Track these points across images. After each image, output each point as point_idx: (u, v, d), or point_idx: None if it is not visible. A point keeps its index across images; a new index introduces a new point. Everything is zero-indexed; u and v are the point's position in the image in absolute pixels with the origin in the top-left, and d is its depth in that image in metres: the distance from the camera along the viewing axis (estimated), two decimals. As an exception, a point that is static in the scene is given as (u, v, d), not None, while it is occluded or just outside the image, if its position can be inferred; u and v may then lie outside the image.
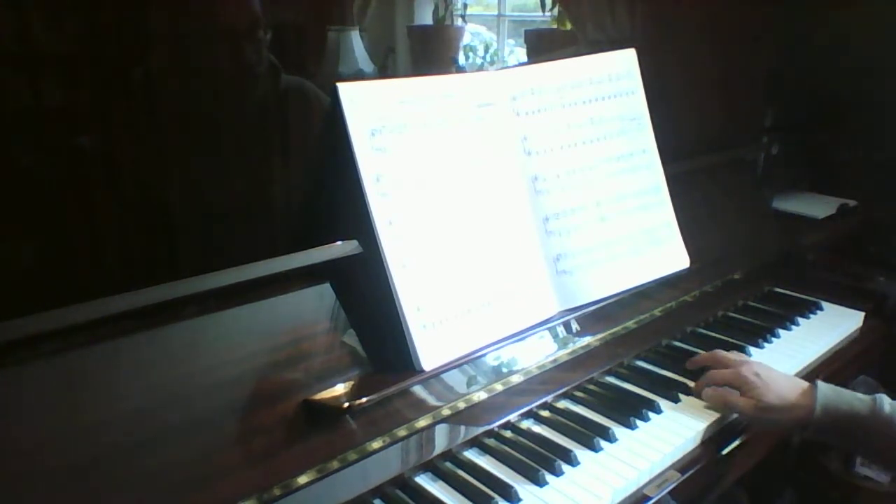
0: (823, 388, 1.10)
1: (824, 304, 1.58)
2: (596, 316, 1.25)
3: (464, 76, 1.25)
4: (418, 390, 1.02)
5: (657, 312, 1.35)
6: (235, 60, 0.97)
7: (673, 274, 1.36)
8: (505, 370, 1.12)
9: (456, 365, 1.05)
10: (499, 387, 1.10)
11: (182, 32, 0.91)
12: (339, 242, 1.01)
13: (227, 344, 0.89)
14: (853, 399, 1.08)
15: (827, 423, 1.07)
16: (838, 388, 1.10)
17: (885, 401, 1.07)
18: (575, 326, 1.23)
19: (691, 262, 1.38)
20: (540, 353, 1.17)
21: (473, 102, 1.14)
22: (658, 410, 1.15)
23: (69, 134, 0.84)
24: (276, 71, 1.02)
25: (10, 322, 0.74)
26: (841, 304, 1.58)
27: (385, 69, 1.25)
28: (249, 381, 0.89)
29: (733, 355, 1.23)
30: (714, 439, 1.13)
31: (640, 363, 1.31)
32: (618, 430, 1.09)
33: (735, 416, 1.15)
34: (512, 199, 1.17)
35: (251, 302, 0.92)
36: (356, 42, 1.16)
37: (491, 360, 1.11)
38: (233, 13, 0.97)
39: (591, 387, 1.21)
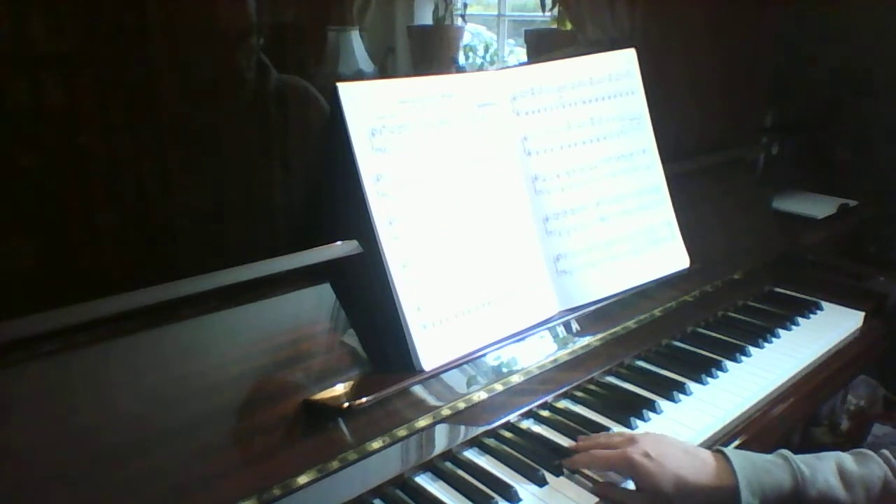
0: (738, 459, 0.90)
1: (824, 304, 1.57)
2: (596, 316, 1.25)
3: (464, 76, 1.25)
4: (418, 390, 1.02)
5: (657, 312, 1.35)
6: (234, 60, 0.97)
7: (673, 274, 1.36)
8: (505, 370, 1.12)
9: (456, 365, 1.05)
10: (499, 387, 1.10)
11: (180, 32, 0.91)
12: (339, 242, 1.01)
13: (227, 344, 0.89)
14: (769, 465, 0.91)
15: None
16: (747, 454, 0.92)
17: (795, 459, 0.92)
18: (575, 326, 1.23)
19: (691, 262, 1.38)
20: (540, 353, 1.17)
21: (473, 102, 1.14)
22: (657, 410, 1.15)
23: (68, 133, 0.84)
24: (273, 71, 1.01)
25: (10, 322, 0.74)
26: (841, 304, 1.57)
27: (385, 69, 1.25)
28: (249, 381, 0.89)
29: (616, 436, 1.00)
30: (713, 438, 1.13)
31: (641, 363, 1.31)
32: (617, 429, 1.08)
33: None
34: (512, 199, 1.17)
35: (251, 302, 0.92)
36: (356, 42, 1.16)
37: (491, 360, 1.11)
38: (230, 14, 0.97)
39: (592, 387, 1.21)
